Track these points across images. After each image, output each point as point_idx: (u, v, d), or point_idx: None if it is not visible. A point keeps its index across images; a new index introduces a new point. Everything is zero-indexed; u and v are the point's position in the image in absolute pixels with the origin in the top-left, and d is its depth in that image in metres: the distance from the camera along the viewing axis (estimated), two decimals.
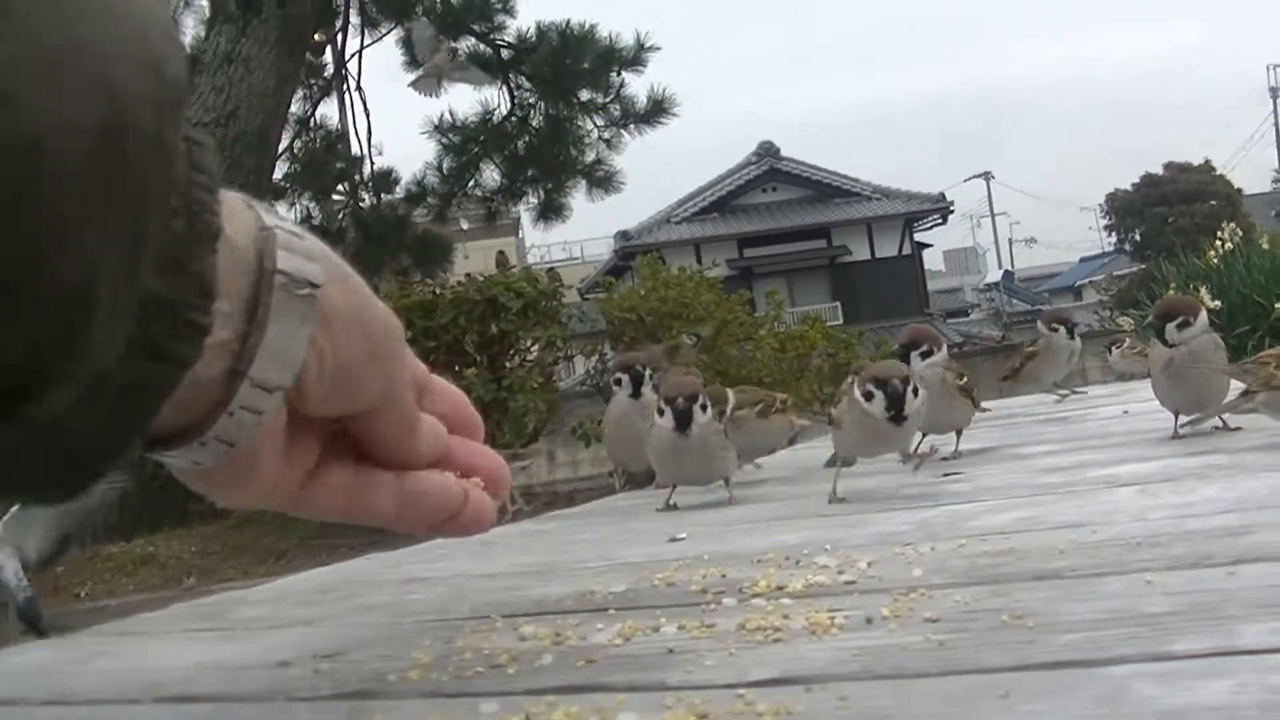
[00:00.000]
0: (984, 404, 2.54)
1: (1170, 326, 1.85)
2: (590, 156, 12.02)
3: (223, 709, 0.81)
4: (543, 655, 0.81)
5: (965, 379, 2.14)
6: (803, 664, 0.72)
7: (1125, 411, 2.55)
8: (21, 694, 0.89)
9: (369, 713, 0.72)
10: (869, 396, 1.66)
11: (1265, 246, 8.71)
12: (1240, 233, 9.39)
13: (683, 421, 1.82)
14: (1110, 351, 4.10)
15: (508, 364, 7.76)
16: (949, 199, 33.05)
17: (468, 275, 8.47)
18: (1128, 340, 4.15)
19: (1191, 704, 0.56)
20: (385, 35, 11.96)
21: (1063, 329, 2.98)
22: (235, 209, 0.57)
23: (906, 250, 32.30)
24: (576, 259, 39.10)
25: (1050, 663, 0.67)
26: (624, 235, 29.94)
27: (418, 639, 0.92)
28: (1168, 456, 1.71)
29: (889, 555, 1.10)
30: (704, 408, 1.85)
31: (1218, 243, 8.97)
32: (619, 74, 11.67)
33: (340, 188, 12.35)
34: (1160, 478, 1.50)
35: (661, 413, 1.86)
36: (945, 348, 2.11)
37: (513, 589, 1.21)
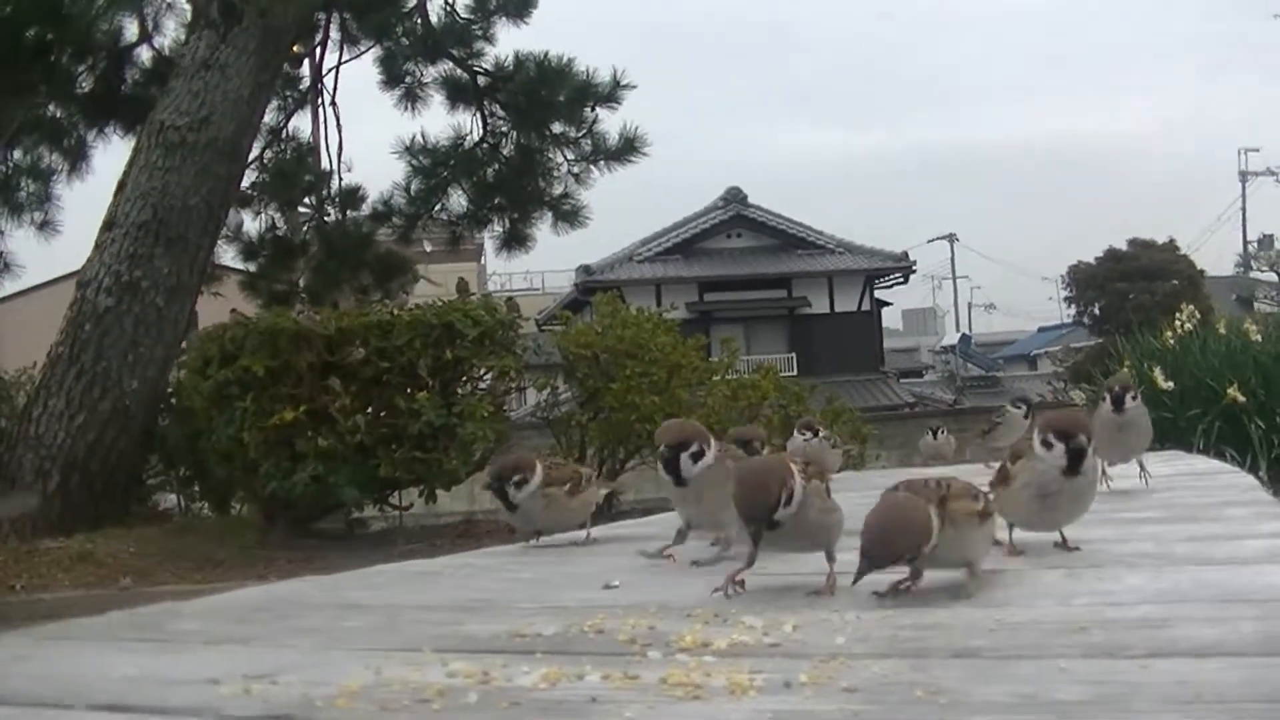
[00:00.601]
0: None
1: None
2: (558, 189, 12.01)
3: None
4: (468, 694, 0.83)
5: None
6: None
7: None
8: None
9: None
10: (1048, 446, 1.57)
11: (1222, 331, 8.77)
12: (1199, 315, 9.49)
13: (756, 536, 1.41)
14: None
15: (460, 390, 7.74)
16: (912, 258, 33.30)
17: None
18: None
19: None
20: (364, 53, 11.95)
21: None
22: None
23: (866, 306, 32.45)
24: (537, 289, 39.02)
25: None
26: (586, 270, 29.95)
27: (348, 666, 0.93)
28: (1099, 542, 1.74)
29: (815, 620, 1.12)
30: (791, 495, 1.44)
31: (1176, 323, 9.05)
32: (593, 109, 11.66)
33: (307, 200, 12.31)
34: (1088, 563, 1.53)
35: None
36: (714, 445, 1.87)
37: (447, 623, 1.22)
